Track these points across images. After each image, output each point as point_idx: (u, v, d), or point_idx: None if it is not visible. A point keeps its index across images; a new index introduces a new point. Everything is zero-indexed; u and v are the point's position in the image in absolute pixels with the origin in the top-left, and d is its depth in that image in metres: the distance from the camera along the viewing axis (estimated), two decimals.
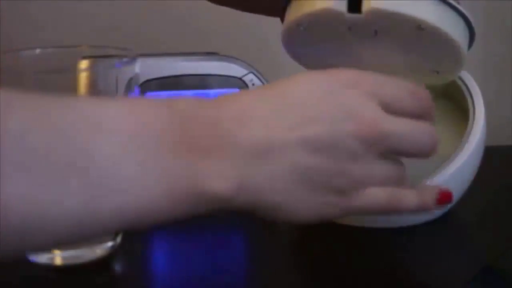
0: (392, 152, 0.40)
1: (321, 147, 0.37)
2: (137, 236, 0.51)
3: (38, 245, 0.35)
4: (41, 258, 0.47)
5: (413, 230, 0.51)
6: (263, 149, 0.36)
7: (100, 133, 0.33)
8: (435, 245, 0.50)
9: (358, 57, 0.53)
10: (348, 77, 0.40)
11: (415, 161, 0.41)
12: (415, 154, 0.40)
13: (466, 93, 0.53)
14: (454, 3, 0.48)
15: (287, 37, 0.52)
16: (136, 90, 0.46)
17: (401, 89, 0.41)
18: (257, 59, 0.64)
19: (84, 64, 0.48)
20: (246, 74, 0.62)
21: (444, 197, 0.42)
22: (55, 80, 0.44)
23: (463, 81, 0.54)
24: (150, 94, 0.60)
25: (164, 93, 0.60)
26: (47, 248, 0.35)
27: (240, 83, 0.62)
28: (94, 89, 0.45)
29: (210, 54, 0.63)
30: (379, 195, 0.39)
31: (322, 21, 0.49)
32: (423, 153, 0.40)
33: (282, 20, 0.53)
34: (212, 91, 0.61)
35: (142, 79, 0.58)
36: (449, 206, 0.50)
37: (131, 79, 0.45)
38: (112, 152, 0.32)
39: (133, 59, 0.45)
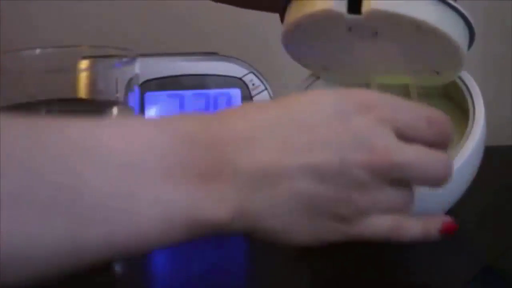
0: (403, 181, 0.38)
1: (327, 175, 0.35)
2: None
3: (26, 279, 0.32)
4: None
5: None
6: (265, 175, 0.34)
7: (88, 162, 0.31)
8: (435, 245, 0.50)
9: (358, 57, 0.53)
10: (362, 99, 0.37)
11: None
12: (426, 184, 0.39)
13: (466, 93, 0.53)
14: (453, 3, 0.48)
15: (287, 38, 0.52)
16: (136, 90, 0.46)
17: (418, 115, 0.38)
18: (257, 59, 0.64)
19: (84, 64, 0.48)
20: (246, 74, 0.62)
21: (448, 228, 0.40)
22: (55, 80, 0.44)
23: (463, 81, 0.54)
24: (150, 94, 0.60)
25: (164, 93, 0.60)
26: (37, 282, 0.33)
27: (240, 83, 0.62)
28: (94, 89, 0.45)
29: (210, 54, 0.63)
30: (382, 223, 0.37)
31: (322, 22, 0.49)
32: (435, 183, 0.39)
33: (282, 20, 0.53)
34: (212, 91, 0.61)
35: (142, 79, 0.58)
36: (449, 206, 0.50)
37: (131, 79, 0.45)
38: (100, 183, 0.31)
39: (133, 59, 0.45)
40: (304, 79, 0.59)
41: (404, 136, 0.37)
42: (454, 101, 0.56)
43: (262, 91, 0.62)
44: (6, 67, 0.45)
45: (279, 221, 0.35)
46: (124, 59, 0.45)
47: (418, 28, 0.47)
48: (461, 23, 0.49)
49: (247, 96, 0.61)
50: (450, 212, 0.51)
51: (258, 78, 0.62)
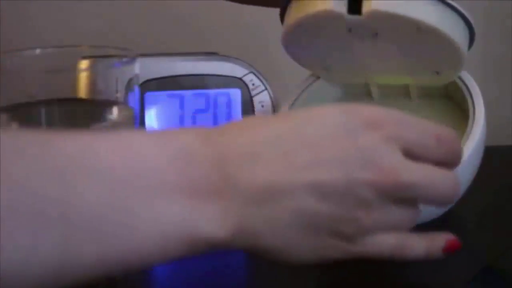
0: (409, 199, 0.37)
1: (331, 193, 0.34)
2: None
3: None
4: None
5: (413, 230, 0.51)
6: (267, 192, 0.34)
7: (83, 176, 0.31)
8: None
9: (358, 57, 0.53)
10: (369, 116, 0.36)
11: None
12: (433, 204, 0.38)
13: (466, 93, 0.53)
14: (453, 4, 0.48)
15: (287, 38, 0.52)
16: (136, 90, 0.46)
17: (427, 133, 0.37)
18: (257, 59, 0.64)
19: (84, 64, 0.48)
20: (246, 74, 0.62)
21: (451, 246, 0.39)
22: (55, 80, 0.44)
23: (463, 81, 0.54)
24: (150, 94, 0.60)
25: (164, 93, 0.60)
26: None
27: (240, 83, 0.62)
28: (94, 89, 0.45)
29: (210, 54, 0.63)
30: (385, 242, 0.36)
31: (322, 22, 0.49)
32: (442, 203, 0.38)
33: (282, 21, 0.53)
34: (212, 91, 0.61)
35: (142, 79, 0.58)
36: (449, 206, 0.50)
37: (131, 79, 0.45)
38: (95, 197, 0.31)
39: (133, 59, 0.45)
40: (304, 79, 0.59)
41: (412, 154, 0.36)
42: (454, 101, 0.56)
43: (262, 91, 0.62)
44: (6, 67, 0.45)
45: (280, 238, 0.34)
46: (124, 59, 0.45)
47: (418, 29, 0.47)
48: (461, 23, 0.49)
49: (247, 96, 0.62)
50: (450, 212, 0.51)
51: (258, 78, 0.62)
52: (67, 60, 0.48)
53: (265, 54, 0.71)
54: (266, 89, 0.62)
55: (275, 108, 0.62)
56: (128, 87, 0.45)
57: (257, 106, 0.62)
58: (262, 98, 0.62)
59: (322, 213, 0.34)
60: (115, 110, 0.46)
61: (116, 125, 0.45)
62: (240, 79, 0.62)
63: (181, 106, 0.61)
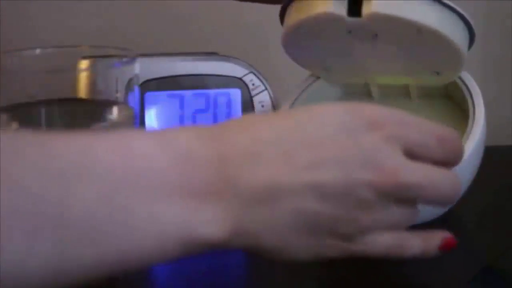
0: (408, 199, 0.37)
1: (332, 194, 0.34)
2: None
3: None
4: None
5: (411, 229, 0.51)
6: (266, 193, 0.33)
7: (82, 176, 0.31)
8: None
9: (358, 58, 0.53)
10: (371, 115, 0.36)
11: None
12: (433, 204, 0.38)
13: (466, 93, 0.53)
14: (453, 5, 0.48)
15: (287, 39, 0.52)
16: (136, 90, 0.46)
17: (428, 133, 0.37)
18: (257, 59, 0.64)
19: (84, 64, 0.48)
20: (246, 74, 0.62)
21: (447, 244, 0.39)
22: (55, 80, 0.44)
23: (463, 81, 0.54)
24: (150, 94, 0.60)
25: (164, 93, 0.60)
26: None
27: (240, 83, 0.62)
28: (94, 89, 0.45)
29: (210, 54, 0.63)
30: (383, 241, 0.36)
31: (322, 24, 0.49)
32: (443, 203, 0.38)
33: (282, 22, 0.53)
34: (212, 91, 0.61)
35: (142, 79, 0.58)
36: (449, 206, 0.50)
37: (131, 79, 0.45)
38: (93, 197, 0.31)
39: (133, 59, 0.45)
40: (304, 79, 0.59)
41: (413, 154, 0.36)
42: (454, 101, 0.56)
43: (262, 91, 0.62)
44: (6, 67, 0.45)
45: (279, 238, 0.34)
46: (124, 59, 0.45)
47: (418, 30, 0.47)
48: (460, 24, 0.49)
49: (247, 96, 0.62)
50: (450, 212, 0.51)
51: (258, 78, 0.62)
52: (67, 60, 0.48)
53: (265, 54, 0.71)
54: (266, 89, 0.62)
55: (275, 108, 0.62)
56: (128, 87, 0.45)
57: (257, 106, 0.62)
58: (262, 98, 0.62)
59: (322, 214, 0.34)
60: (115, 110, 0.46)
61: (116, 125, 0.45)
62: (240, 79, 0.62)
63: (181, 106, 0.61)
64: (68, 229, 0.30)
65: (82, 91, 0.44)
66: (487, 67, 0.78)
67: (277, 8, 0.53)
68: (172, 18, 0.77)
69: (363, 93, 0.58)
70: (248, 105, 0.62)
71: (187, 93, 0.61)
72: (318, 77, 0.58)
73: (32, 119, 0.43)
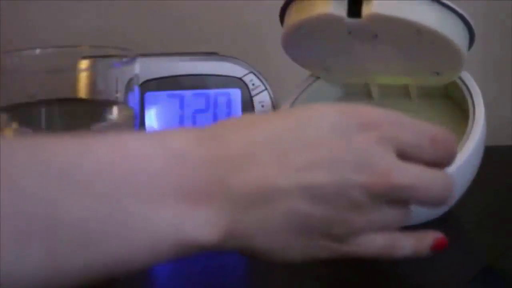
0: (402, 201, 0.37)
1: (324, 195, 0.34)
2: None
3: None
4: None
5: (413, 230, 0.51)
6: (259, 195, 0.33)
7: (73, 179, 0.31)
8: None
9: (358, 59, 0.53)
10: (364, 117, 0.36)
11: None
12: (427, 205, 0.38)
13: (466, 93, 0.54)
14: (453, 5, 0.48)
15: (286, 40, 0.52)
16: (136, 90, 0.46)
17: (421, 134, 0.37)
18: (257, 59, 0.64)
19: (84, 64, 0.48)
20: (246, 74, 0.62)
21: (439, 244, 0.39)
22: (55, 80, 0.44)
23: (463, 81, 0.54)
24: (150, 94, 0.60)
25: (164, 93, 0.60)
26: None
27: (240, 83, 0.62)
28: (94, 89, 0.45)
29: (210, 54, 0.63)
30: (375, 242, 0.36)
31: (322, 25, 0.49)
32: (436, 204, 0.38)
33: (282, 22, 0.53)
34: (212, 91, 0.61)
35: (141, 79, 0.58)
36: (444, 207, 0.50)
37: (131, 79, 0.45)
38: (85, 200, 0.30)
39: (133, 59, 0.45)
40: (304, 79, 0.59)
41: (405, 155, 0.36)
42: (454, 101, 0.56)
43: (262, 91, 0.62)
44: (6, 67, 0.45)
45: (272, 240, 0.35)
46: (124, 59, 0.45)
47: (418, 31, 0.47)
48: (460, 24, 0.49)
49: (247, 96, 0.62)
50: (449, 212, 0.52)
51: (258, 78, 0.62)
52: (67, 60, 0.48)
53: (265, 54, 0.71)
54: (266, 89, 0.62)
55: (275, 108, 0.62)
56: (128, 87, 0.45)
57: (257, 106, 0.62)
58: (262, 98, 0.62)
59: (314, 215, 0.34)
60: (115, 110, 0.46)
61: (116, 125, 0.45)
62: (240, 79, 0.62)
63: (181, 106, 0.61)
64: (60, 230, 0.30)
65: (82, 91, 0.44)
66: (487, 67, 0.78)
67: (277, 8, 0.53)
68: (172, 18, 0.77)
69: (363, 93, 0.59)
70: (248, 105, 0.62)
71: (187, 93, 0.61)
72: (318, 77, 0.58)
73: (32, 119, 0.43)
